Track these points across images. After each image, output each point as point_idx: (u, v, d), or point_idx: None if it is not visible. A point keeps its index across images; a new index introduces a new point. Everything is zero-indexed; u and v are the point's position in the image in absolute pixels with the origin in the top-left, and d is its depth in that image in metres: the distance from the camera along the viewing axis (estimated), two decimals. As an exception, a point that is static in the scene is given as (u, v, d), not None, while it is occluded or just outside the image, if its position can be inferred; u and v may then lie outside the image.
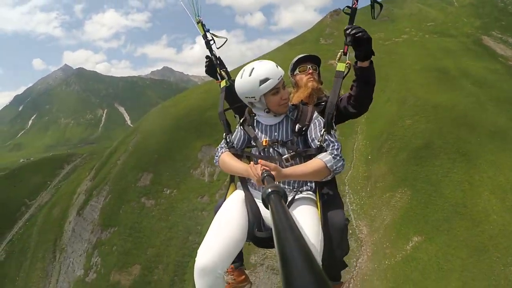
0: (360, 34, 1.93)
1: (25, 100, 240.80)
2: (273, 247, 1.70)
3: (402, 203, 16.71)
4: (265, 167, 1.70)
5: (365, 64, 2.05)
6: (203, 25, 2.63)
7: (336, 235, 1.92)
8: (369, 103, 2.27)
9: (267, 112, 2.12)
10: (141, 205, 24.74)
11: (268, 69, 2.01)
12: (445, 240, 13.63)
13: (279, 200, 0.99)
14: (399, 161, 19.23)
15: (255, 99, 2.06)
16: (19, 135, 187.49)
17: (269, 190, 1.08)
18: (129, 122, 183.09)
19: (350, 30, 1.96)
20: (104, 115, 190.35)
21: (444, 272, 12.66)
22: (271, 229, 1.57)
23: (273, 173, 1.67)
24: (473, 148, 17.72)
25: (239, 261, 2.23)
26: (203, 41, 2.64)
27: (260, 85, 1.98)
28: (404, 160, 19.05)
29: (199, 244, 1.89)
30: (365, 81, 2.13)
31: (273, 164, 1.74)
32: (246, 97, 2.10)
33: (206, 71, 2.65)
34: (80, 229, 29.52)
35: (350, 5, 2.03)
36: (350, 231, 17.51)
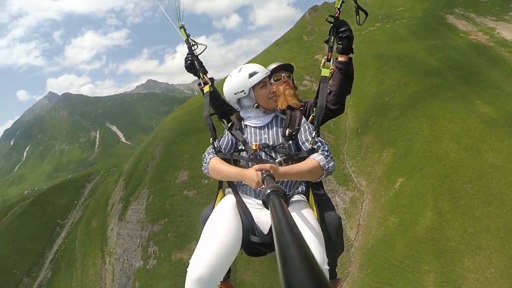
0: (346, 33, 2.19)
1: (15, 133, 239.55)
2: (263, 254, 2.07)
3: (388, 159, 22.42)
4: (261, 168, 1.74)
5: (345, 58, 2.26)
6: (185, 30, 2.70)
7: (332, 234, 1.99)
8: (346, 96, 2.42)
9: (256, 108, 2.20)
10: (185, 197, 29.05)
11: (256, 66, 2.21)
12: (420, 175, 19.40)
13: (279, 200, 0.98)
14: (382, 130, 24.87)
15: (245, 93, 2.17)
16: (16, 168, 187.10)
17: (269, 190, 1.09)
18: (123, 139, 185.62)
19: (341, 30, 2.20)
20: (97, 136, 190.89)
21: (422, 194, 18.39)
22: (266, 234, 1.95)
23: (271, 171, 1.68)
24: (436, 111, 23.29)
25: (226, 273, 1.99)
26: (184, 49, 2.68)
27: (249, 78, 2.13)
28: (386, 128, 24.68)
29: None
30: (346, 74, 2.28)
31: (268, 164, 1.77)
32: (235, 94, 2.20)
33: (187, 67, 2.66)
34: (127, 231, 32.95)
35: (333, 15, 2.18)
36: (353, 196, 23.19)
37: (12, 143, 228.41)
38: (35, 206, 52.27)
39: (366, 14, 2.29)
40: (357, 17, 2.29)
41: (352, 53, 2.27)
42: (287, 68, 2.77)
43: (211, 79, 2.64)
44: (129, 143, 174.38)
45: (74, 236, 42.49)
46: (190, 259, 1.75)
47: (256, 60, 56.49)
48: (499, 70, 27.22)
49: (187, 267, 1.71)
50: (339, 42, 2.22)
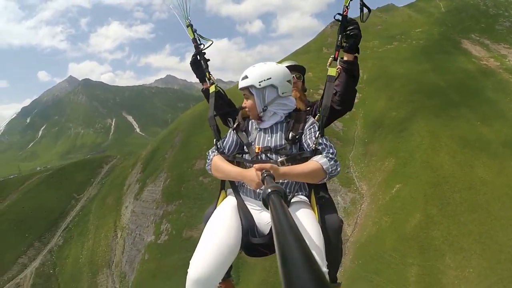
0: (354, 32, 2.15)
1: (32, 111, 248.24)
2: (264, 255, 2.04)
3: (389, 167, 24.74)
4: (262, 167, 1.70)
5: (351, 57, 2.21)
6: (192, 29, 2.61)
7: (333, 236, 1.94)
8: (353, 98, 2.37)
9: None
10: (200, 182, 31.31)
11: (245, 72, 2.08)
12: (415, 182, 21.70)
13: (279, 200, 0.98)
14: (387, 141, 27.24)
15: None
16: (31, 145, 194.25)
17: (269, 190, 1.08)
18: (138, 130, 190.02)
19: (349, 28, 2.15)
20: (113, 123, 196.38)
21: (414, 199, 20.69)
22: (266, 235, 1.92)
23: (271, 171, 1.66)
24: (437, 128, 25.55)
25: (227, 272, 2.03)
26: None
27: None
28: (390, 140, 27.07)
29: None
30: (351, 74, 2.25)
31: (268, 164, 1.74)
32: None
33: (192, 63, 2.62)
34: (141, 209, 35.51)
35: (341, 13, 2.17)
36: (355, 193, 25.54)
37: (28, 120, 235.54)
38: (53, 178, 55.28)
39: (369, 11, 2.25)
40: (361, 14, 2.26)
41: (358, 53, 2.24)
42: (297, 68, 2.77)
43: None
44: (143, 134, 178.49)
45: (88, 210, 45.34)
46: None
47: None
48: (504, 95, 29.34)
49: (187, 268, 1.73)
50: (346, 41, 2.20)
